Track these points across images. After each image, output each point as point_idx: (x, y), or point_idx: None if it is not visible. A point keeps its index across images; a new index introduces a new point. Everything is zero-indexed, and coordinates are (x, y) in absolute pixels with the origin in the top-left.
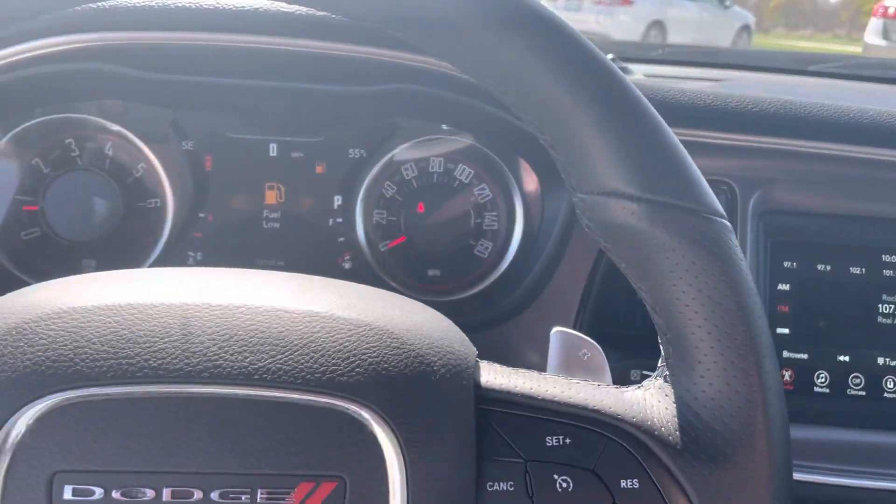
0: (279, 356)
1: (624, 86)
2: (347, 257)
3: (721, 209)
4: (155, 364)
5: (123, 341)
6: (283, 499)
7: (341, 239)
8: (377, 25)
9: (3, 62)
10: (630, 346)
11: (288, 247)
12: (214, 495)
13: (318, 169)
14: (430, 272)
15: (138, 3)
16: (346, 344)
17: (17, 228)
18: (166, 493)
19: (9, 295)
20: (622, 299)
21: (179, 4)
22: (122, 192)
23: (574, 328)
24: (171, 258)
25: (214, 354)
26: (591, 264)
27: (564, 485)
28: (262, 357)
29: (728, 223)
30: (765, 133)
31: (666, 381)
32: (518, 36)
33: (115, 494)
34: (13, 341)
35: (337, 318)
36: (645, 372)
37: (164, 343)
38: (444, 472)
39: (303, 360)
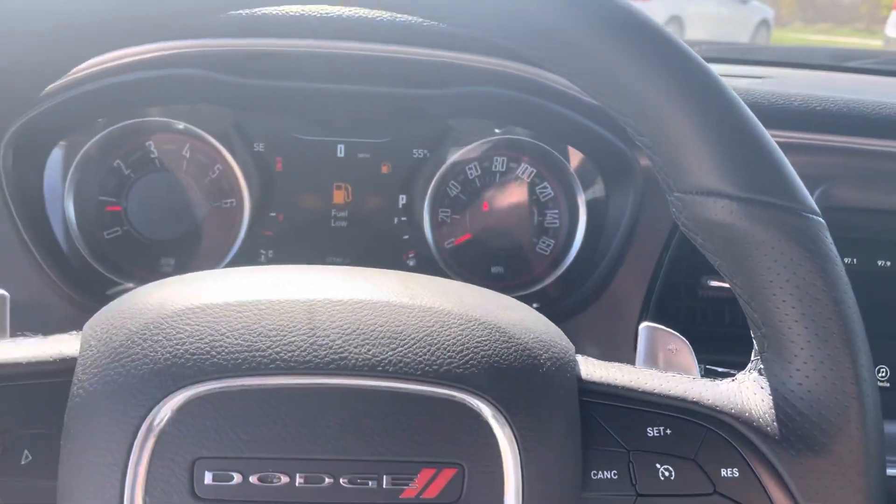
0: (399, 349)
1: (720, 87)
2: (412, 255)
3: (816, 207)
4: (286, 356)
5: (255, 335)
6: (407, 484)
7: (406, 237)
8: (476, 31)
9: (99, 68)
10: (692, 342)
11: (355, 245)
12: (343, 481)
13: (384, 169)
14: (494, 269)
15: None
16: (459, 337)
17: (100, 228)
18: (299, 479)
19: (138, 291)
20: (684, 296)
21: (288, 13)
22: (201, 193)
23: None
24: (244, 256)
25: (340, 347)
26: (654, 263)
27: (667, 473)
28: (384, 350)
29: (823, 221)
30: (829, 131)
31: (761, 374)
32: (618, 39)
33: (252, 479)
34: (151, 335)
35: (448, 312)
36: (708, 367)
37: (293, 336)
38: (554, 459)
39: (420, 353)
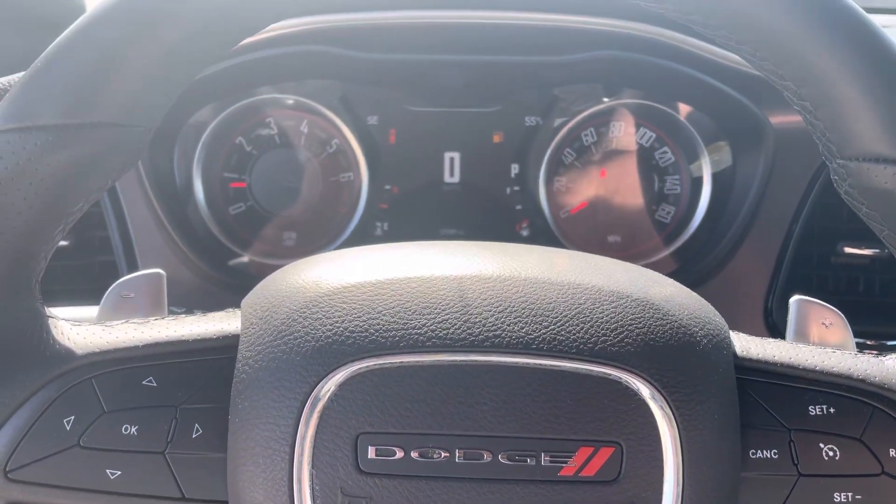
0: (552, 326)
1: (891, 46)
2: (525, 224)
3: None
4: (441, 334)
5: (410, 313)
6: (566, 462)
7: (519, 207)
8: None
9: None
10: None
11: (468, 215)
12: (502, 457)
13: (496, 138)
14: (611, 238)
15: None
16: (612, 315)
17: (226, 204)
18: (458, 455)
19: (289, 270)
20: (815, 265)
21: None
22: (319, 168)
23: (768, 297)
24: (361, 229)
25: (493, 325)
26: (784, 232)
27: (831, 453)
28: (537, 328)
29: None
30: None
31: None
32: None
33: (414, 454)
34: (311, 314)
35: (599, 288)
36: None
37: (447, 314)
38: (713, 439)
39: (574, 331)
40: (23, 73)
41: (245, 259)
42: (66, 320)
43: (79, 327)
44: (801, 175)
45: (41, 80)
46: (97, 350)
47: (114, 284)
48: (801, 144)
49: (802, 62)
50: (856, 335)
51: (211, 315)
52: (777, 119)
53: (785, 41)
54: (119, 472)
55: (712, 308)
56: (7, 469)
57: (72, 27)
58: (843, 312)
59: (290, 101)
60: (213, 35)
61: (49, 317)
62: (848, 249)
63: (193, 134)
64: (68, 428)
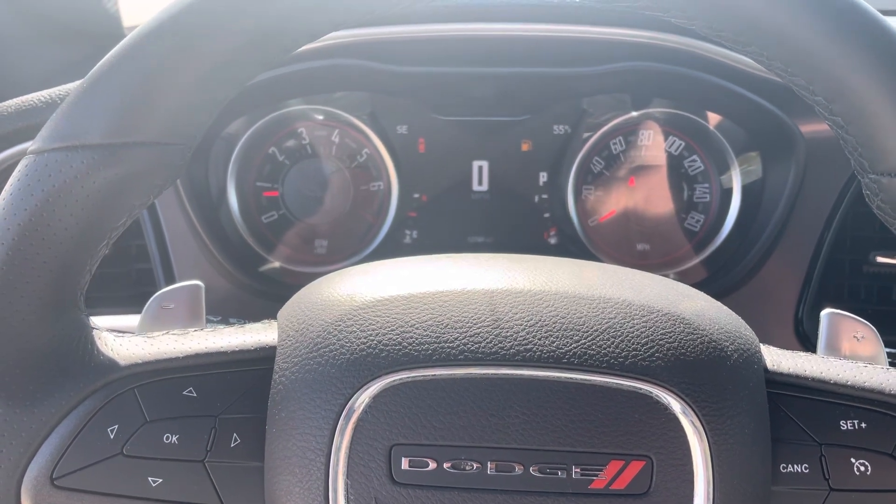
0: (583, 341)
1: None
2: (553, 233)
3: None
4: (473, 348)
5: (442, 327)
6: (596, 475)
7: (547, 215)
8: (656, 10)
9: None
10: None
11: (496, 224)
12: (533, 470)
13: (524, 146)
14: (640, 247)
15: None
16: (643, 329)
17: (259, 212)
18: (490, 467)
19: (323, 282)
20: (847, 274)
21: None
22: (350, 177)
23: (799, 307)
24: (391, 237)
25: (524, 339)
26: (815, 242)
27: (862, 468)
28: (568, 342)
29: None
30: None
31: None
32: (811, 15)
33: (446, 466)
34: (346, 327)
35: (629, 303)
36: None
37: (478, 328)
38: (743, 453)
39: (605, 345)
40: (64, 86)
41: (276, 266)
42: (110, 331)
43: (122, 338)
44: (832, 184)
45: (87, 100)
46: (140, 361)
47: (154, 296)
48: (832, 153)
49: (834, 78)
50: (887, 345)
51: (248, 326)
52: (808, 128)
53: (816, 58)
54: (160, 480)
55: (743, 322)
56: (53, 476)
57: (115, 49)
58: (873, 322)
59: (321, 113)
60: (253, 56)
61: (93, 328)
62: (880, 259)
63: (226, 145)
64: (112, 437)
